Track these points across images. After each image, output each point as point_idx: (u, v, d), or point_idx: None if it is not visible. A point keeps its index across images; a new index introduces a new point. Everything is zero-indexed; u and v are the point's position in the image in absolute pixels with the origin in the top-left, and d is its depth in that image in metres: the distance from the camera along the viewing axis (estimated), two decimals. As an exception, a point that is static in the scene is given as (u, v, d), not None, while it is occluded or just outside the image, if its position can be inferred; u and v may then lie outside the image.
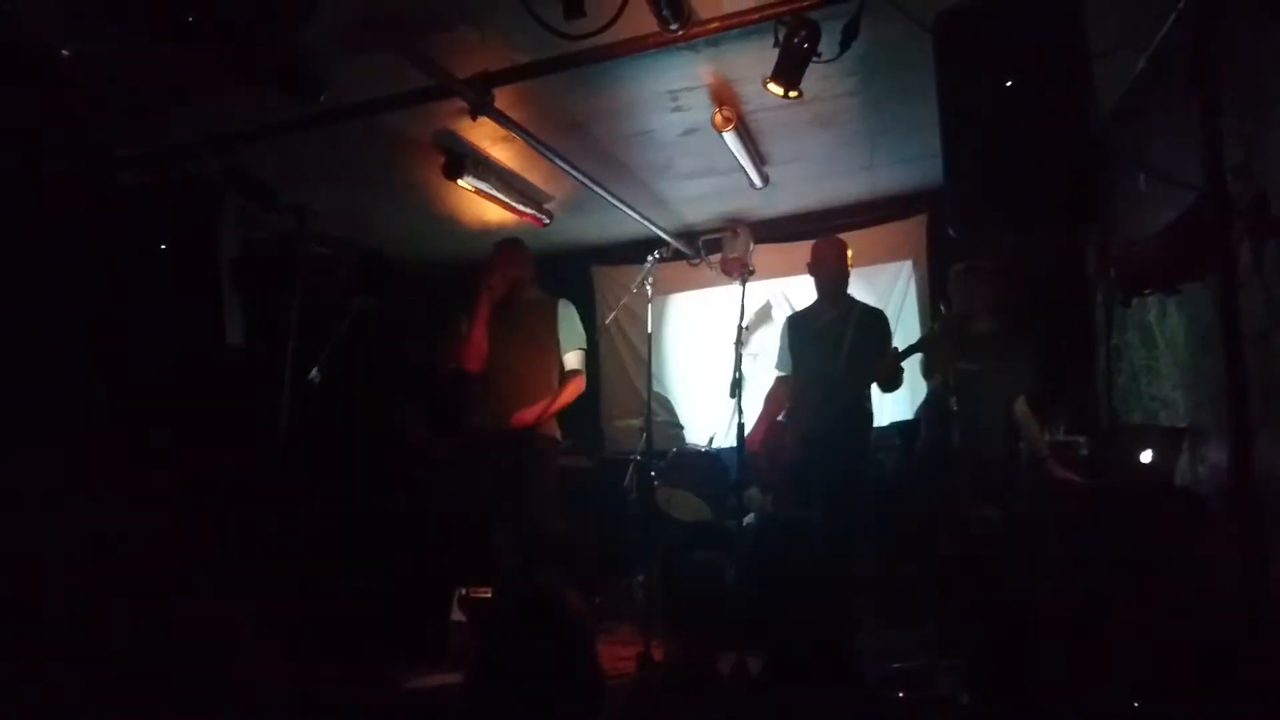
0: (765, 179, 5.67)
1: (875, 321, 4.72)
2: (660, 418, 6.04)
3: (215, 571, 3.81)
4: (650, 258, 4.76)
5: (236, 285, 4.19)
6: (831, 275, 4.73)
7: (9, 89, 3.12)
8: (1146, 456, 4.13)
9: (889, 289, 6.70)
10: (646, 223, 6.24)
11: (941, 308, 4.68)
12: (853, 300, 4.80)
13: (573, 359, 4.76)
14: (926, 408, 5.01)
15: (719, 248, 6.80)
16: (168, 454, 4.27)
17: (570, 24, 3.04)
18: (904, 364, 4.46)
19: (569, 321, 4.80)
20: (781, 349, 4.93)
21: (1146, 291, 3.69)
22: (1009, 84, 2.96)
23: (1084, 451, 4.80)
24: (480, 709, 1.89)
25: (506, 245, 4.84)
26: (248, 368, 4.36)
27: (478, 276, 4.71)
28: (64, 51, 2.59)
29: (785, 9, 3.30)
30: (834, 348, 4.56)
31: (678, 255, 6.75)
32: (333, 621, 4.37)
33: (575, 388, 4.74)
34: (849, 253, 4.80)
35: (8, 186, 3.83)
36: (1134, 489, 4.13)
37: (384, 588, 4.81)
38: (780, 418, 4.80)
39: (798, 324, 4.90)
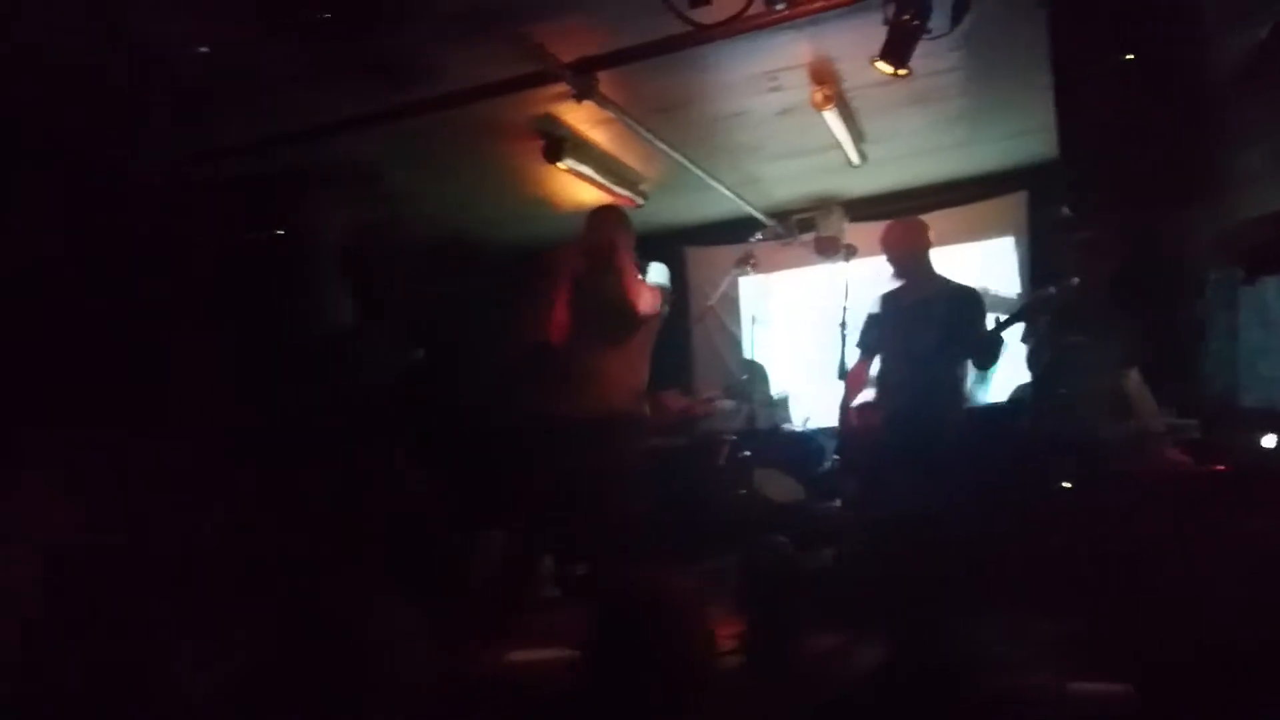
0: (863, 156, 5.61)
1: (966, 299, 4.55)
2: (756, 398, 6.03)
3: (329, 550, 3.94)
4: (750, 241, 4.73)
5: (342, 270, 4.32)
6: (901, 259, 4.57)
7: (125, 88, 3.28)
8: (1270, 440, 3.99)
9: (989, 267, 6.57)
10: (741, 202, 6.22)
11: (1052, 290, 4.57)
12: (942, 279, 4.65)
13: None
14: (1033, 387, 4.91)
15: (812, 226, 6.76)
16: (276, 436, 4.44)
17: (695, 11, 3.04)
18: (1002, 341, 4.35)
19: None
20: (865, 329, 4.83)
21: (1262, 272, 3.56)
22: (1128, 58, 2.90)
23: (1196, 434, 4.66)
24: (595, 687, 1.93)
25: (596, 213, 4.59)
26: (354, 349, 4.51)
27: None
28: (202, 49, 2.69)
29: (893, -16, 3.26)
30: (922, 327, 4.46)
31: (774, 236, 6.73)
32: (433, 595, 4.50)
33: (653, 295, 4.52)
34: (922, 232, 4.64)
35: (122, 181, 4.02)
36: (1251, 474, 4.00)
37: (483, 562, 4.91)
38: (862, 400, 4.72)
39: (884, 305, 4.80)
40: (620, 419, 4.48)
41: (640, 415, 4.61)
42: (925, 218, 6.52)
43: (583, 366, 4.43)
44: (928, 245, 4.59)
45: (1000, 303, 4.45)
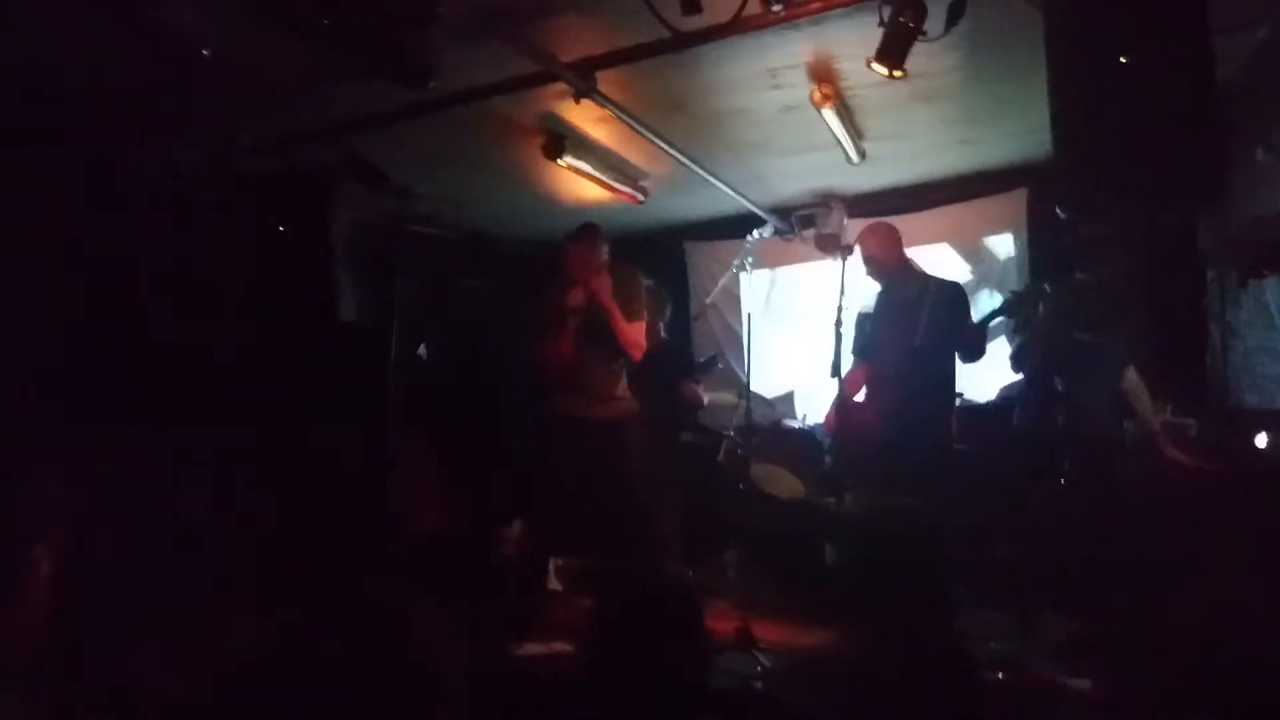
0: (862, 154, 5.62)
1: (952, 294, 4.61)
2: (755, 394, 6.05)
3: (332, 544, 3.98)
4: (749, 237, 4.74)
5: (348, 265, 4.36)
6: (879, 266, 4.65)
7: (145, 85, 3.32)
8: (1262, 440, 4.02)
9: (988, 263, 6.60)
10: (742, 199, 6.24)
11: (1046, 287, 4.60)
12: (927, 276, 4.70)
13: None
14: (1027, 383, 4.94)
15: (813, 223, 6.77)
16: (283, 429, 4.48)
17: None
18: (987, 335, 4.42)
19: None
20: (858, 329, 4.87)
21: (1265, 272, 3.58)
22: (1124, 60, 2.90)
23: (1194, 433, 4.68)
24: (596, 682, 1.97)
25: (581, 245, 4.55)
26: (359, 343, 4.54)
27: (556, 278, 4.55)
28: (204, 51, 2.74)
29: (890, -14, 3.28)
30: (910, 324, 4.50)
31: (775, 232, 6.75)
32: (440, 589, 4.53)
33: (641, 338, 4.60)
34: (891, 234, 4.69)
35: (138, 176, 4.07)
36: (1248, 473, 4.03)
37: (489, 556, 4.96)
38: (858, 398, 4.76)
39: (877, 303, 4.85)
40: (621, 421, 4.57)
41: (638, 417, 4.70)
42: (925, 214, 6.62)
43: (585, 375, 4.53)
44: (899, 246, 4.66)
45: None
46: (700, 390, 5.91)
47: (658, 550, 4.44)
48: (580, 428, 4.53)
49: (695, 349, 7.41)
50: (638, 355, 4.54)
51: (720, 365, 5.76)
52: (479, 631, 4.05)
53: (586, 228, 4.63)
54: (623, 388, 4.68)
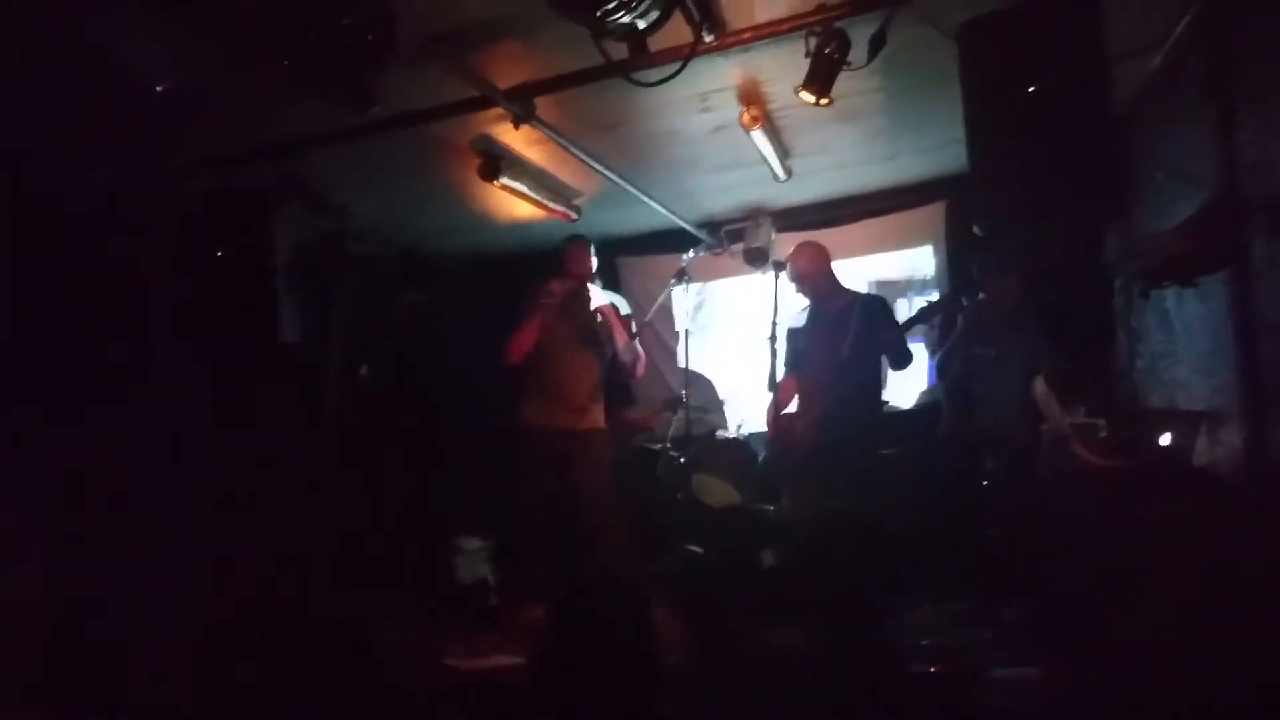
0: (789, 172, 5.80)
1: (877, 308, 4.85)
2: (690, 406, 6.19)
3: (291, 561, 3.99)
4: (686, 255, 4.90)
5: (290, 286, 4.37)
6: (808, 282, 4.91)
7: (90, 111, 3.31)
8: (1165, 438, 4.28)
9: (909, 274, 6.84)
10: (673, 217, 6.38)
11: (963, 300, 4.84)
12: (852, 293, 4.96)
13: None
14: (946, 391, 5.17)
15: (741, 237, 6.93)
16: (230, 451, 4.47)
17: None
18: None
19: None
20: (790, 344, 5.06)
21: (1164, 283, 3.83)
22: (1031, 90, 3.11)
23: (1103, 433, 4.95)
24: (547, 694, 2.04)
25: (574, 248, 5.19)
26: (302, 364, 4.55)
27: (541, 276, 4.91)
28: (158, 88, 2.75)
29: (815, 19, 3.44)
30: (838, 337, 4.70)
31: (705, 249, 6.91)
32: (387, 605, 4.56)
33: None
34: (823, 253, 4.99)
35: (81, 198, 4.03)
36: (1153, 470, 4.28)
37: (434, 570, 5.00)
38: (790, 408, 4.96)
39: (807, 319, 5.05)
40: (592, 432, 4.74)
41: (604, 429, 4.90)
42: (849, 228, 6.83)
43: (559, 384, 4.70)
44: (827, 264, 4.96)
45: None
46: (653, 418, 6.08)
47: (619, 559, 4.59)
48: (550, 437, 4.67)
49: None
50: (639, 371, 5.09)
51: (688, 403, 5.92)
52: (438, 643, 4.11)
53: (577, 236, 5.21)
54: (596, 398, 4.90)
